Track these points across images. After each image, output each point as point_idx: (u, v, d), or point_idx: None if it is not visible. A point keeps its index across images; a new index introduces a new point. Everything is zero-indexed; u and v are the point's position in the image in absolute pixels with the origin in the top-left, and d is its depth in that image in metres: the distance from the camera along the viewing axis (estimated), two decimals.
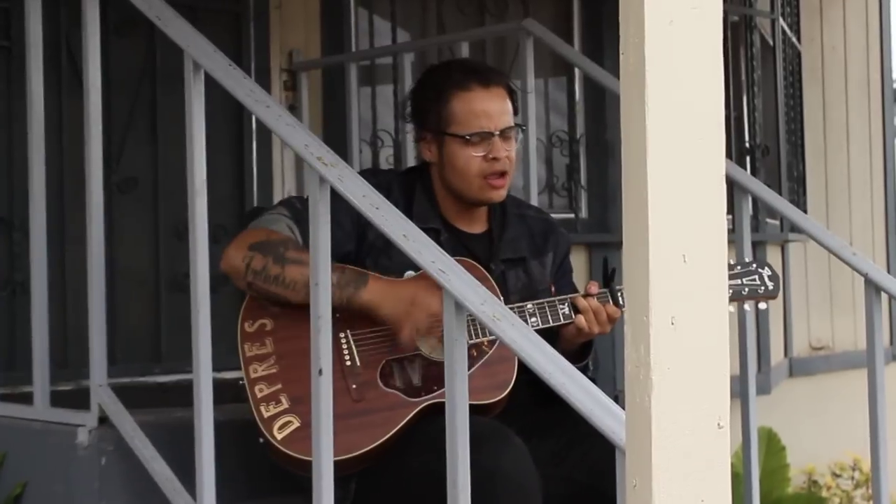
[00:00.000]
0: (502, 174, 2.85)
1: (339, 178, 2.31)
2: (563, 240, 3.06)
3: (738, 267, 2.97)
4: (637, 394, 1.54)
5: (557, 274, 3.04)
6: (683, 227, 1.55)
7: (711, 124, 1.57)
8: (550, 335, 2.77)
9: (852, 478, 7.10)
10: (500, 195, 2.89)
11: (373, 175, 2.87)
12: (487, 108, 2.84)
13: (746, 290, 2.95)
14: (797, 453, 6.61)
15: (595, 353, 2.95)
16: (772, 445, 6.33)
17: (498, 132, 2.85)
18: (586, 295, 2.80)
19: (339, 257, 2.67)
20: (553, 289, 2.98)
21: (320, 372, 2.31)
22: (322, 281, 2.32)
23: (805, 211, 7.17)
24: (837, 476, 7.11)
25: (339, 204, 2.39)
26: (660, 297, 1.53)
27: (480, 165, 2.84)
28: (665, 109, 1.54)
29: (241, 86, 2.55)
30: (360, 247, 2.81)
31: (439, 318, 2.55)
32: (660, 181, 1.54)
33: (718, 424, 1.56)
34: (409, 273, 2.77)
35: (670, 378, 1.53)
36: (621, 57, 1.58)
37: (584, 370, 2.86)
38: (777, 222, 6.56)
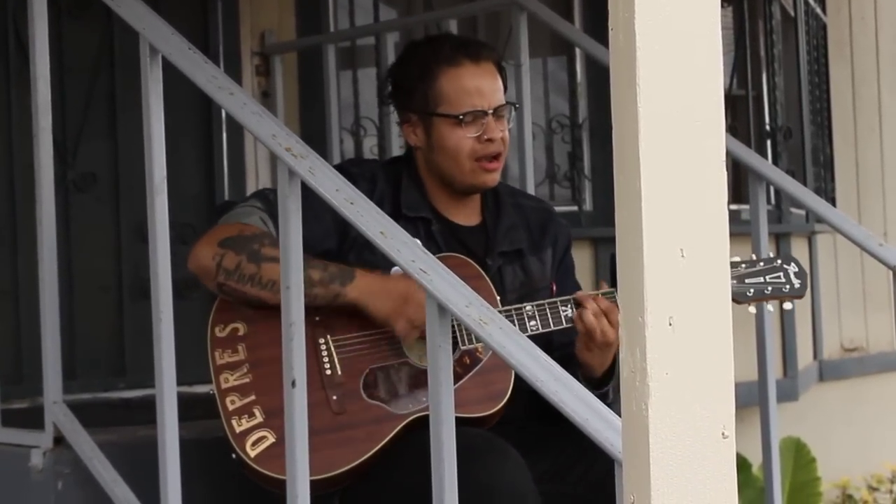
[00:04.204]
0: (496, 156, 2.88)
1: (309, 170, 2.33)
2: (563, 232, 3.07)
3: (761, 263, 2.93)
4: (633, 401, 1.56)
5: (559, 271, 3.04)
6: (680, 219, 1.56)
7: (710, 106, 1.58)
8: (570, 362, 2.77)
9: (891, 491, 7.11)
10: (493, 179, 2.90)
11: (356, 165, 2.88)
12: (479, 84, 2.86)
13: (770, 288, 2.91)
14: (829, 465, 6.62)
15: (618, 379, 2.92)
16: (801, 457, 6.34)
17: (491, 111, 2.87)
18: (590, 295, 2.79)
19: (317, 254, 2.69)
20: (554, 288, 2.99)
21: (293, 384, 2.33)
22: (294, 283, 2.34)
23: (833, 200, 7.18)
24: (875, 489, 7.12)
25: (319, 197, 2.40)
26: (656, 296, 1.54)
27: (473, 147, 2.86)
28: (658, 90, 1.56)
29: (201, 71, 2.56)
30: (343, 243, 2.81)
31: None
32: (654, 169, 1.56)
33: (723, 434, 1.57)
34: (396, 269, 2.78)
35: (668, 384, 1.54)
36: (610, 34, 1.60)
37: (603, 398, 2.84)
38: (802, 212, 6.55)
